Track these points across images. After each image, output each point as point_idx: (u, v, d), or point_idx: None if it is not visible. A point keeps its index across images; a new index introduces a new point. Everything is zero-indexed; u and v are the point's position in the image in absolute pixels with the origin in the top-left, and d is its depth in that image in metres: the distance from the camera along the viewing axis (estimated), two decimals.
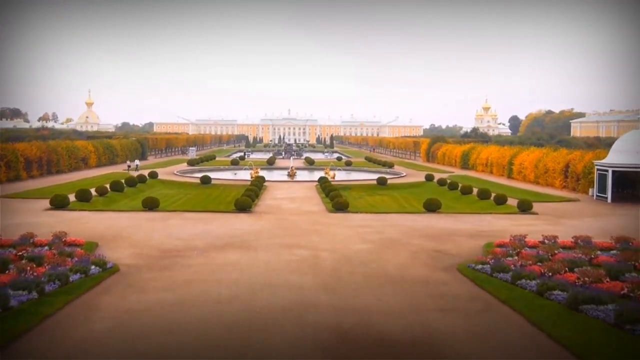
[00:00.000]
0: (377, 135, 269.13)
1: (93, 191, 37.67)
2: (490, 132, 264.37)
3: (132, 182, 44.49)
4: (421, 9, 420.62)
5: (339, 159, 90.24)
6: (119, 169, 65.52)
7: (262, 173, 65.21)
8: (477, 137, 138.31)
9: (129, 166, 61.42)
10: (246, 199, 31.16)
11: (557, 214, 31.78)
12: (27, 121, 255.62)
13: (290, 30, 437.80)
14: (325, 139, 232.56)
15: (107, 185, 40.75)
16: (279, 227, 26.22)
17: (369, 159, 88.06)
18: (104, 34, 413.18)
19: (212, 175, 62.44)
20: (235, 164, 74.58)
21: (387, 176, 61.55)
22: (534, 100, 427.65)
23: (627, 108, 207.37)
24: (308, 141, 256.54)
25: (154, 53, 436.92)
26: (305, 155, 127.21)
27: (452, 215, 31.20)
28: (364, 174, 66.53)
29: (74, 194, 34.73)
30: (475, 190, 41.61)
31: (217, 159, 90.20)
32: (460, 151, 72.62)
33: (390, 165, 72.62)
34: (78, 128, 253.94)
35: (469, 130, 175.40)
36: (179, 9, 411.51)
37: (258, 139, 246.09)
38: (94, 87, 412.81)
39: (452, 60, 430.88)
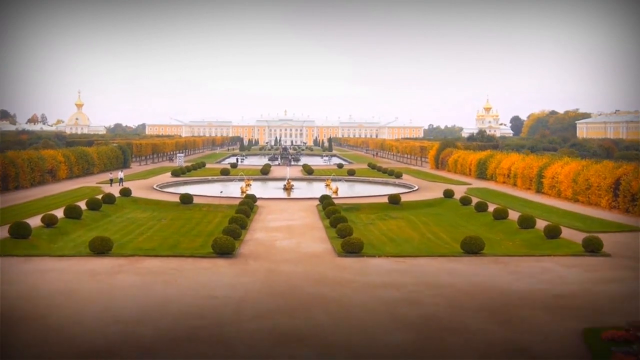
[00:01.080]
0: (377, 136, 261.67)
1: (39, 220, 30.11)
2: (492, 133, 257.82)
3: (95, 204, 36.83)
4: (420, 9, 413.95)
5: (339, 165, 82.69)
6: (93, 182, 57.82)
7: (255, 185, 57.92)
8: (484, 139, 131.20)
9: (111, 180, 53.16)
10: (227, 240, 23.52)
11: (634, 255, 24.27)
12: (13, 123, 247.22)
13: (288, 29, 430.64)
14: (323, 141, 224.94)
15: (62, 211, 33.16)
16: (270, 289, 18.61)
17: (372, 166, 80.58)
18: (98, 34, 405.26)
19: (197, 189, 55.34)
20: (226, 173, 67.01)
21: (396, 189, 54.40)
22: (534, 100, 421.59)
23: (635, 108, 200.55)
24: (305, 143, 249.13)
25: (150, 54, 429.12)
26: (302, 160, 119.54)
27: (500, 259, 23.62)
28: (370, 187, 59.13)
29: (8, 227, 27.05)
30: (511, 213, 34.20)
31: (206, 166, 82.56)
32: (476, 159, 65.11)
33: (398, 175, 65.07)
34: (67, 130, 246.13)
35: (475, 132, 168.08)
36: (175, 9, 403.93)
37: (253, 141, 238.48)
38: (89, 87, 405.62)
39: (451, 60, 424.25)
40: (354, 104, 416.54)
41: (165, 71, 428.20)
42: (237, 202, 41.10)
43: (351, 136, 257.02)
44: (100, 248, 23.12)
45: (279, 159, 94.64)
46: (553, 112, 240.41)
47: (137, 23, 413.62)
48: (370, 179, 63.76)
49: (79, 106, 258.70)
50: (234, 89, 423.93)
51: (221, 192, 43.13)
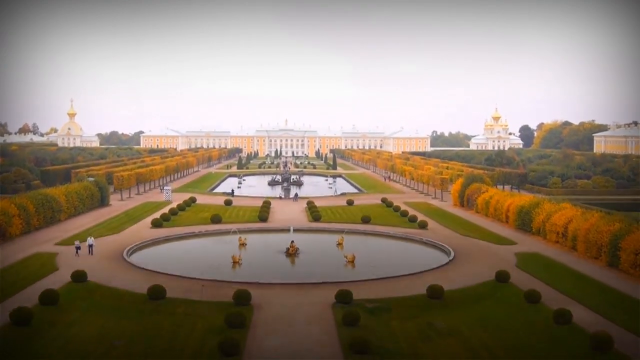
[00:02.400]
0: (381, 147, 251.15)
1: None
2: (502, 145, 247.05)
3: (23, 317, 26.17)
4: (423, 13, 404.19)
5: (349, 202, 71.91)
6: (54, 238, 47.49)
7: (251, 242, 47.80)
8: (504, 160, 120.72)
9: (78, 248, 41.58)
10: None
11: None
12: (1, 134, 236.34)
13: (287, 32, 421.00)
14: (325, 154, 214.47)
15: None
16: None
17: (388, 204, 69.88)
18: (93, 39, 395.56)
19: (179, 250, 46.39)
20: (217, 221, 56.40)
21: (425, 252, 44.50)
22: (540, 106, 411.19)
23: None
24: (307, 155, 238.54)
25: (148, 58, 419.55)
26: (305, 182, 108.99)
27: None
28: (391, 245, 49.20)
29: None
30: (606, 325, 23.60)
31: (197, 202, 71.86)
32: (516, 205, 54.37)
33: (423, 225, 54.50)
34: (59, 141, 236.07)
35: (490, 148, 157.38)
36: (175, 12, 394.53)
37: (253, 154, 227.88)
38: (86, 92, 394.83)
39: (453, 61, 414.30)
40: (356, 108, 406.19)
41: (163, 76, 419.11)
42: (225, 293, 30.92)
43: (355, 147, 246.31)
44: None
45: (281, 192, 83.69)
46: (567, 123, 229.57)
47: (135, 27, 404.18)
48: (390, 231, 52.87)
49: (72, 115, 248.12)
50: (232, 94, 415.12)
51: (203, 285, 32.41)
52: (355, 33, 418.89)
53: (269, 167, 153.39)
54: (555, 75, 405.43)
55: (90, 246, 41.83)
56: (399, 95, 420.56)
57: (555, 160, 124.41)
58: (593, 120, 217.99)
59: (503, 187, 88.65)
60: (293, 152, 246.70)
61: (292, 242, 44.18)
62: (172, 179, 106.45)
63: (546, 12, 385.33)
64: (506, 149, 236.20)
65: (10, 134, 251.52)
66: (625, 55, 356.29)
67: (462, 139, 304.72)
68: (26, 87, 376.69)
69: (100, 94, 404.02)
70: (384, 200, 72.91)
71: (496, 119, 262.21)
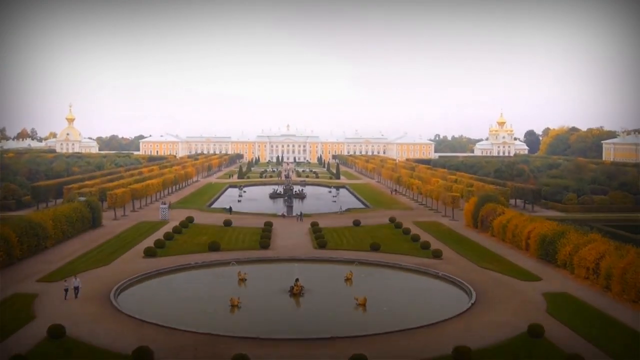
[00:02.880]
0: (384, 152, 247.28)
1: None
2: (507, 151, 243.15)
3: None
4: (424, 14, 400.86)
5: (356, 223, 67.89)
6: (39, 272, 43.48)
7: (252, 271, 44.06)
8: (514, 172, 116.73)
9: (66, 290, 37.46)
10: None
11: None
12: None
13: (288, 35, 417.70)
14: (328, 160, 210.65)
15: None
16: None
17: (396, 225, 65.89)
18: (95, 40, 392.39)
19: (174, 284, 43.97)
20: (215, 248, 52.40)
21: (440, 289, 41.01)
22: (545, 111, 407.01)
23: None
24: (309, 161, 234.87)
25: (149, 62, 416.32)
26: (308, 194, 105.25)
27: None
28: (405, 278, 45.13)
29: None
30: None
31: (195, 221, 67.92)
32: (538, 233, 50.35)
33: (437, 254, 50.56)
34: (58, 147, 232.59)
35: (496, 150, 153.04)
36: (176, 14, 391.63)
37: (254, 160, 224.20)
38: (86, 96, 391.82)
39: (457, 65, 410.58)
40: (358, 110, 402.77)
41: (163, 77, 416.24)
42: (221, 353, 27.05)
43: (357, 152, 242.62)
44: None
45: (283, 209, 79.51)
46: (574, 129, 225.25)
47: (135, 29, 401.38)
48: (402, 262, 48.68)
49: (70, 120, 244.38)
50: (233, 95, 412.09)
51: (195, 349, 28.40)
52: (356, 34, 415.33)
53: (271, 176, 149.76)
54: (558, 78, 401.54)
55: (76, 288, 37.76)
56: (401, 97, 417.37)
57: (567, 172, 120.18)
58: (601, 127, 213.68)
59: (515, 203, 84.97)
60: (295, 158, 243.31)
61: (297, 280, 40.18)
62: (170, 191, 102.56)
63: (551, 15, 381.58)
64: (511, 154, 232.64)
65: (8, 139, 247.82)
66: (632, 58, 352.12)
67: (465, 144, 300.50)
68: (25, 90, 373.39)
69: (100, 95, 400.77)
70: (392, 220, 69.00)
71: (501, 124, 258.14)
